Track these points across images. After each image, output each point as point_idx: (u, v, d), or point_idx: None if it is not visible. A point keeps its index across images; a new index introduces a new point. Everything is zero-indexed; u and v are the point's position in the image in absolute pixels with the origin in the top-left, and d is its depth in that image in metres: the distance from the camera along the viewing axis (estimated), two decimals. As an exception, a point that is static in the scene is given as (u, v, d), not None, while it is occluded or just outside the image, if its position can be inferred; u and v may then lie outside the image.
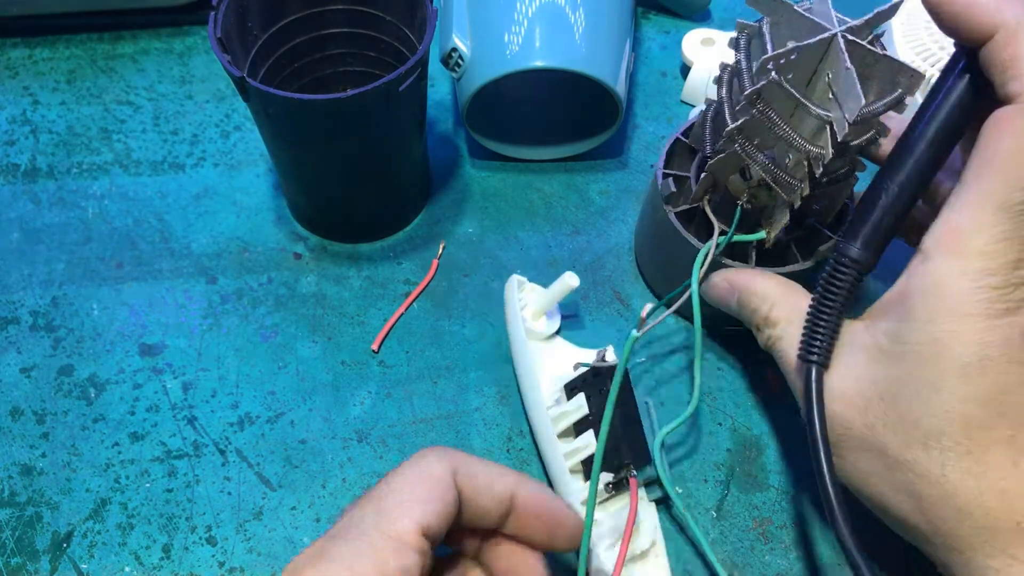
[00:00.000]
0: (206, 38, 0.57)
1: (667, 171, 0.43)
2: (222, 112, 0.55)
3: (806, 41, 0.32)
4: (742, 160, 0.37)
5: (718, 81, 0.38)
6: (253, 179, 0.52)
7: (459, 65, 0.47)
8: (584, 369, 0.40)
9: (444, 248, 0.49)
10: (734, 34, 0.37)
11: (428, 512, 0.28)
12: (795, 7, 0.34)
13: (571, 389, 0.40)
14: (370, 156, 0.44)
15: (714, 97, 0.39)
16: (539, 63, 0.45)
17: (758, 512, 0.40)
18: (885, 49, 0.33)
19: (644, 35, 0.60)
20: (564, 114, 0.53)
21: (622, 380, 0.35)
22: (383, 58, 0.47)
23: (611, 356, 0.40)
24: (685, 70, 0.57)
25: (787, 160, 0.36)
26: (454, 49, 0.47)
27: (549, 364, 0.42)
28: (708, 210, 0.41)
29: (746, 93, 0.34)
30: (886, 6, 0.33)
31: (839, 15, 0.34)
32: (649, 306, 0.37)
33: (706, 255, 0.39)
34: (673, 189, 0.42)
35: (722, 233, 0.39)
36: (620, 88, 0.47)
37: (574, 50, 0.46)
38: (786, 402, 0.44)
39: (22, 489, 0.40)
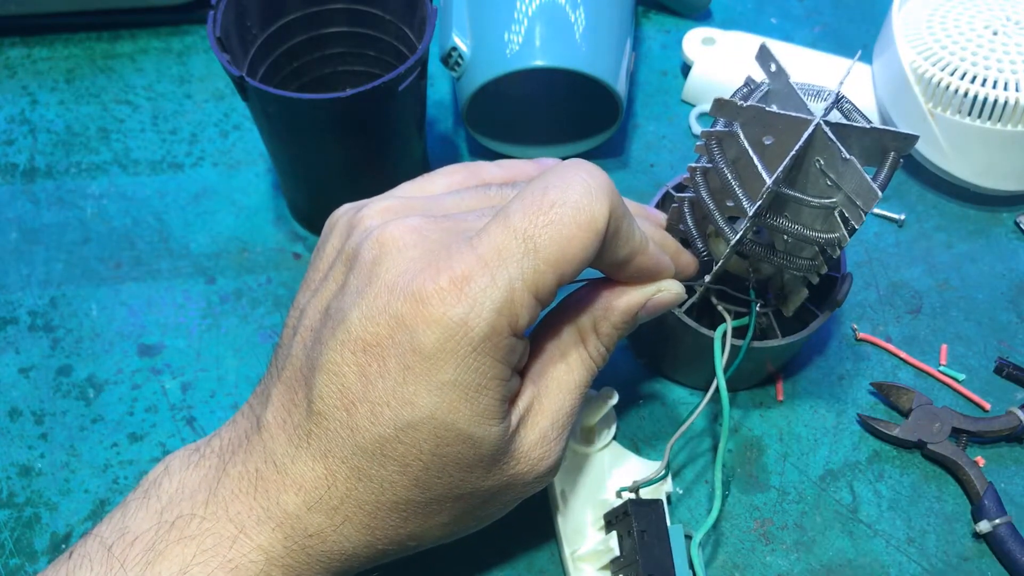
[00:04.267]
0: (205, 37, 0.57)
1: None
2: (221, 111, 0.55)
3: (794, 146, 0.31)
4: (744, 256, 0.36)
5: (691, 182, 0.36)
6: (252, 179, 0.52)
7: (459, 64, 0.47)
8: (621, 501, 0.36)
9: None
10: (705, 108, 0.34)
11: (571, 272, 0.29)
12: (764, 108, 0.32)
13: (609, 523, 0.37)
14: (370, 156, 0.44)
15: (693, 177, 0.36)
16: (539, 62, 0.45)
17: (759, 513, 0.40)
18: (853, 105, 0.33)
19: (644, 34, 0.60)
20: (564, 113, 0.53)
21: (642, 534, 0.34)
22: (383, 57, 0.47)
23: (647, 476, 0.37)
24: (686, 69, 0.57)
25: (796, 248, 0.35)
26: (454, 48, 0.47)
27: (593, 485, 0.39)
28: (714, 299, 0.39)
29: (750, 214, 0.33)
30: (847, 67, 0.33)
31: (798, 84, 0.32)
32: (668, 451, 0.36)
33: (723, 340, 0.37)
34: None
35: (736, 316, 0.38)
36: (620, 87, 0.47)
37: (574, 49, 0.46)
38: (787, 404, 0.44)
39: (20, 490, 0.40)
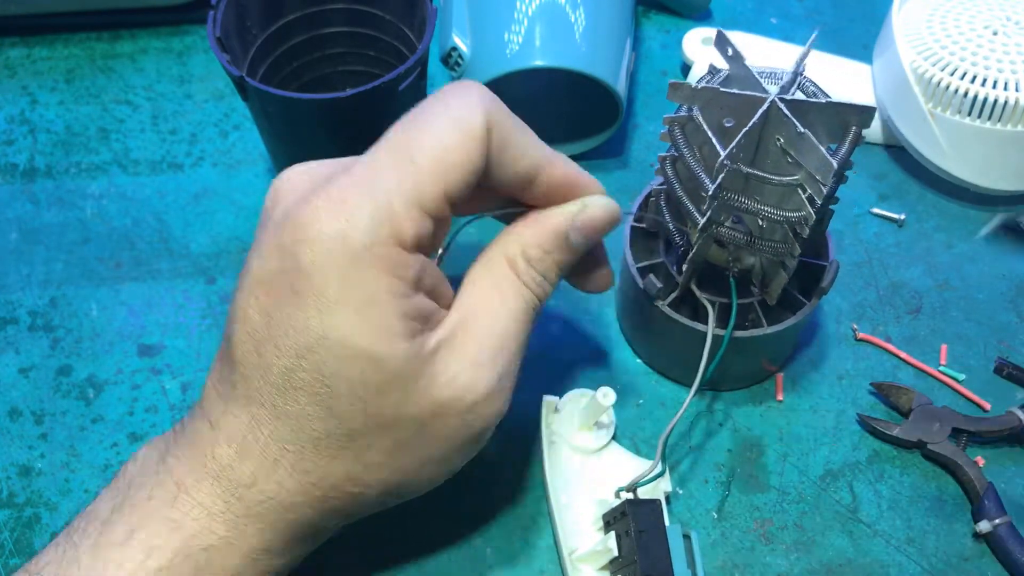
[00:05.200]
0: (205, 37, 0.57)
1: (641, 264, 0.41)
2: (221, 111, 0.55)
3: (748, 123, 0.31)
4: (724, 245, 0.37)
5: (660, 170, 0.36)
6: (252, 179, 0.51)
7: (459, 64, 0.47)
8: (620, 502, 0.36)
9: (444, 250, 0.49)
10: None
11: (456, 180, 0.29)
12: (718, 88, 0.33)
13: (607, 523, 0.37)
14: (370, 156, 0.44)
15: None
16: (539, 62, 0.45)
17: (759, 513, 0.40)
18: (816, 86, 0.33)
19: (644, 34, 0.60)
20: (564, 113, 0.53)
21: (640, 534, 0.34)
22: (383, 57, 0.47)
23: (646, 469, 0.37)
24: (686, 69, 0.57)
25: (769, 231, 0.35)
26: (454, 48, 0.47)
27: (591, 485, 0.39)
28: (697, 291, 0.40)
29: (711, 191, 0.33)
30: (804, 48, 0.33)
31: (757, 68, 0.33)
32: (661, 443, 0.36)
33: (714, 338, 0.37)
34: (660, 285, 0.39)
35: (722, 307, 0.39)
36: (620, 87, 0.47)
37: (574, 49, 0.46)
38: (787, 404, 0.44)
39: (20, 490, 0.40)
